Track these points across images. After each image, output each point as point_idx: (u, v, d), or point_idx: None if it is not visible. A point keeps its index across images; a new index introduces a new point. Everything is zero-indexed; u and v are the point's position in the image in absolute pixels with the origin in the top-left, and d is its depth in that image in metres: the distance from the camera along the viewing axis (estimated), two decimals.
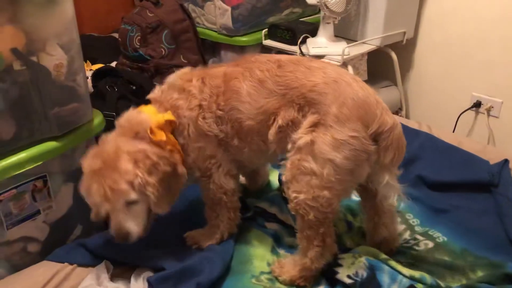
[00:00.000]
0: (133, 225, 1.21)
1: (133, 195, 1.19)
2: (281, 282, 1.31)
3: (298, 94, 1.20)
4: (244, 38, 2.50)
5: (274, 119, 1.24)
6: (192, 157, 1.32)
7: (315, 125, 1.18)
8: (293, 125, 1.22)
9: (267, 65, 1.26)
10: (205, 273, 1.26)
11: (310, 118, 1.19)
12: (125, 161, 1.18)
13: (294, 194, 1.21)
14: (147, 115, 1.27)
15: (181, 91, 1.30)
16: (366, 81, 2.51)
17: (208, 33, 2.57)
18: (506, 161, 1.70)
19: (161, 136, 1.24)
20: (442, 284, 1.25)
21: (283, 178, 1.24)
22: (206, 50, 2.58)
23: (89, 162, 1.22)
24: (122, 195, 1.18)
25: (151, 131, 1.23)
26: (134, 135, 1.24)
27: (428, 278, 1.25)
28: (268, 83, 1.23)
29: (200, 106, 1.28)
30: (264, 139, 1.28)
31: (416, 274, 1.26)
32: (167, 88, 1.34)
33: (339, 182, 1.18)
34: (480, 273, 1.32)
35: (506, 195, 1.57)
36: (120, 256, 1.36)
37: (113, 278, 1.35)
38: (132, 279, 1.31)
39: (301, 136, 1.19)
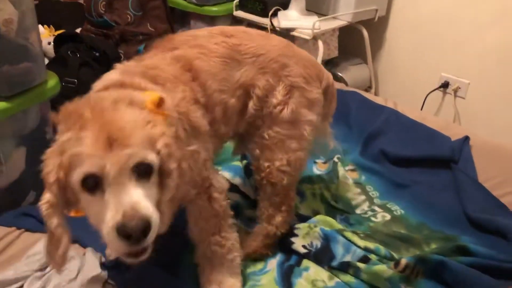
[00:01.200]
0: (153, 210, 0.80)
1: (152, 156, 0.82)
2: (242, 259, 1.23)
3: (268, 60, 1.17)
4: (214, 8, 2.44)
5: (253, 91, 1.18)
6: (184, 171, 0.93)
7: (290, 91, 1.18)
8: (270, 93, 1.18)
9: (217, 38, 1.15)
10: None
11: (285, 82, 1.18)
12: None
13: (267, 164, 1.20)
14: None
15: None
16: (336, 58, 2.54)
17: (177, 1, 2.49)
18: (466, 137, 1.71)
19: None
20: (395, 255, 1.25)
21: (256, 152, 1.21)
22: (175, 19, 2.51)
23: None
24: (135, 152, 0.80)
25: None
26: None
27: (382, 250, 1.25)
28: (234, 55, 1.15)
29: (184, 98, 1.02)
30: (240, 119, 1.20)
31: (371, 245, 1.26)
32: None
33: (312, 140, 1.23)
34: (434, 246, 1.32)
35: (465, 171, 1.59)
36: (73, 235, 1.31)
37: None
38: (89, 252, 1.26)
39: (282, 107, 1.17)
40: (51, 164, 0.80)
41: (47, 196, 0.82)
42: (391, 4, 2.52)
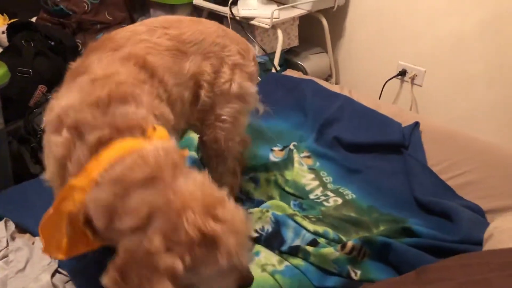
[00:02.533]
0: None
1: None
2: None
3: (209, 44, 1.21)
4: None
5: (202, 79, 1.20)
6: None
7: (233, 69, 1.25)
8: (217, 75, 1.23)
9: (157, 31, 1.13)
10: None
11: (228, 62, 1.24)
12: None
13: (230, 143, 1.30)
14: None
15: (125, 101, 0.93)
16: (297, 47, 2.56)
17: None
18: (416, 123, 1.76)
19: None
20: (344, 238, 1.29)
21: (215, 133, 1.27)
22: (134, 8, 2.48)
23: None
24: None
25: None
26: None
27: (331, 233, 1.29)
28: (179, 46, 1.15)
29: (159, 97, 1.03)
30: (194, 109, 1.22)
31: (320, 229, 1.29)
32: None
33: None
34: (382, 228, 1.37)
35: (415, 156, 1.63)
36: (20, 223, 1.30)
37: (14, 235, 1.29)
38: (38, 241, 1.25)
39: (230, 84, 1.24)
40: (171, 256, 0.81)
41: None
42: None
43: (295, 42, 2.51)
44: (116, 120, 0.87)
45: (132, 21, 2.43)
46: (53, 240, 0.93)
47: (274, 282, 1.16)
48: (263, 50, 2.34)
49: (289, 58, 2.57)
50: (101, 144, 0.85)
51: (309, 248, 1.22)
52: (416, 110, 2.51)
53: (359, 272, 1.17)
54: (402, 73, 2.48)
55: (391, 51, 2.50)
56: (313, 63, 2.56)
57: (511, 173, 1.57)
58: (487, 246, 0.90)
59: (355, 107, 1.83)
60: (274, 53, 2.34)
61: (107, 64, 1.01)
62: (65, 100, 0.92)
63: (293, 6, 2.37)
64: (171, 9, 2.46)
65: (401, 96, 2.57)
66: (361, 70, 2.66)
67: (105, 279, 0.80)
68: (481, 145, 1.73)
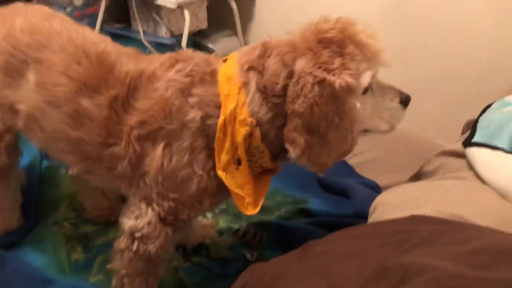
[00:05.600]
0: None
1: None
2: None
3: None
4: None
5: None
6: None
7: None
8: None
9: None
10: None
11: None
12: None
13: None
14: None
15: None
16: (206, 30, 2.50)
17: None
18: None
19: None
20: (235, 226, 1.27)
21: None
22: None
23: None
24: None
25: None
26: None
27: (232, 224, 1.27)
28: None
29: None
30: None
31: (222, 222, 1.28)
32: None
33: None
34: (283, 210, 1.37)
35: None
36: None
37: None
38: None
39: None
40: (339, 76, 0.82)
41: (354, 101, 0.84)
42: None
43: (204, 24, 2.44)
44: None
45: None
46: (237, 193, 0.90)
47: (177, 279, 1.13)
48: (170, 31, 2.26)
49: (198, 41, 2.50)
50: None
51: (208, 242, 1.20)
52: None
53: (255, 253, 1.16)
54: None
55: None
56: (222, 45, 2.51)
57: (406, 151, 1.64)
58: (371, 219, 0.92)
59: None
60: (182, 35, 2.26)
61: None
62: None
63: None
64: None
65: None
66: None
67: (296, 151, 0.84)
68: None
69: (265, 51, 0.86)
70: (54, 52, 0.94)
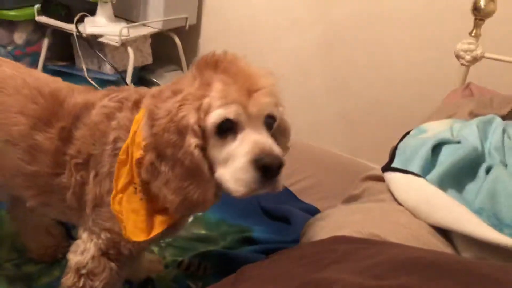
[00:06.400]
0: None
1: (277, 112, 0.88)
2: None
3: None
4: (13, 13, 2.25)
5: None
6: None
7: None
8: None
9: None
10: None
11: None
12: None
13: None
14: None
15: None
16: (151, 65, 2.55)
17: None
18: None
19: None
20: (179, 259, 1.30)
21: None
22: None
23: None
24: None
25: None
26: None
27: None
28: None
29: None
30: None
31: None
32: None
33: None
34: (228, 240, 1.41)
35: None
36: None
37: None
38: None
39: None
40: (187, 109, 0.80)
41: (193, 140, 0.80)
42: (201, 13, 2.63)
43: (148, 60, 2.50)
44: None
45: None
46: (130, 218, 0.87)
47: None
48: (115, 68, 2.29)
49: (143, 76, 2.55)
50: None
51: (154, 276, 1.22)
52: None
53: (200, 284, 1.19)
54: None
55: None
56: (168, 80, 2.57)
57: (344, 177, 1.73)
58: (301, 241, 0.98)
59: None
60: (126, 71, 2.30)
61: None
62: None
63: (143, 24, 2.36)
64: (11, 25, 2.29)
65: None
66: None
67: (143, 170, 0.82)
68: (320, 153, 1.89)
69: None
70: (9, 95, 0.97)
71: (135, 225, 0.87)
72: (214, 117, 0.80)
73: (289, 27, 2.41)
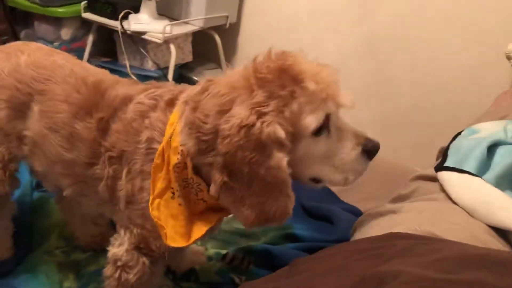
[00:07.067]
0: None
1: None
2: None
3: None
4: (60, 9, 2.32)
5: None
6: None
7: None
8: None
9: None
10: None
11: None
12: None
13: None
14: None
15: None
16: (191, 63, 2.59)
17: (18, 0, 2.33)
18: None
19: None
20: (222, 251, 1.31)
21: None
22: (16, 20, 2.34)
23: None
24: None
25: None
26: None
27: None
28: None
29: None
30: None
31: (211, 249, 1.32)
32: None
33: None
34: (269, 236, 1.41)
35: None
36: None
37: None
38: None
39: None
40: (269, 122, 0.76)
41: (281, 155, 0.76)
42: (242, 12, 2.64)
43: (189, 58, 2.53)
44: None
45: (15, 34, 2.29)
46: (169, 223, 0.86)
47: None
48: (156, 64, 2.33)
49: (183, 73, 2.58)
50: None
51: (197, 268, 1.24)
52: None
53: (243, 278, 1.20)
54: None
55: None
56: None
57: (386, 179, 1.71)
58: (352, 239, 0.97)
59: None
60: (168, 67, 2.34)
61: None
62: None
63: (185, 22, 2.39)
64: (57, 22, 2.36)
65: None
66: None
67: (213, 188, 0.78)
68: None
69: (206, 89, 0.83)
70: (57, 84, 1.00)
71: (175, 230, 0.86)
72: (315, 119, 0.78)
73: (331, 28, 2.39)
